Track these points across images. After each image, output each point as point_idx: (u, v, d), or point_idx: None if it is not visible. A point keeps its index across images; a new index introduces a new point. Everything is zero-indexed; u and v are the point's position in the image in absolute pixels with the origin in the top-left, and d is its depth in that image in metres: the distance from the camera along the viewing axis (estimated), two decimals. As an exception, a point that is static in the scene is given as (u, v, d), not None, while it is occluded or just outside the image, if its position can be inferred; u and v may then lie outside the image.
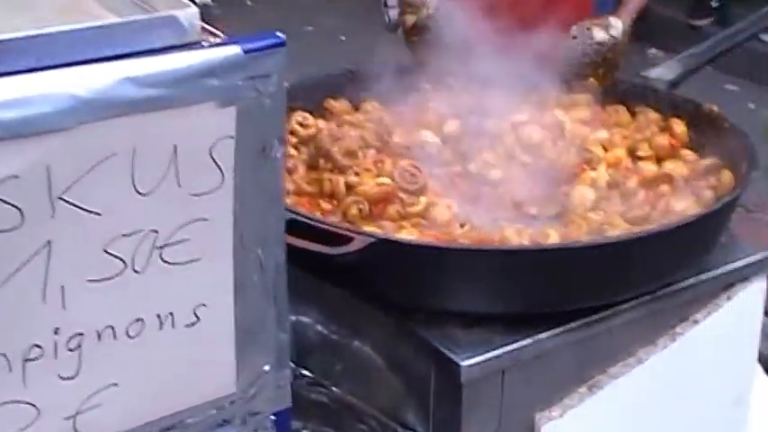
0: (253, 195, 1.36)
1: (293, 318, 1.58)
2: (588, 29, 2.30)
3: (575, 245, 1.76)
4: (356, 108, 2.24)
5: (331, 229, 1.68)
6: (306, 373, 1.98)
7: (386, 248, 1.66)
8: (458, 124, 2.15)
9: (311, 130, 2.13)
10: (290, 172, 2.00)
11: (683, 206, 1.89)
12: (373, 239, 1.65)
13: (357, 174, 1.98)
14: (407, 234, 1.81)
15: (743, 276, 1.97)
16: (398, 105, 2.22)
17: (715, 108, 2.13)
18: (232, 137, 1.31)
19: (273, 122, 1.35)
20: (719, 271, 1.93)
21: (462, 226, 1.82)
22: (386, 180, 1.95)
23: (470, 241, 1.78)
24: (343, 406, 1.97)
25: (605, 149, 2.06)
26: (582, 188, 1.95)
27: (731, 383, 2.06)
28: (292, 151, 2.07)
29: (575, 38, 2.30)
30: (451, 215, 1.88)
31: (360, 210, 1.90)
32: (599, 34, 2.28)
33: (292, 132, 2.10)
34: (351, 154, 2.03)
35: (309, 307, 1.94)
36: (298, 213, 1.72)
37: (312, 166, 2.05)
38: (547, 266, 1.72)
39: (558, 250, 1.74)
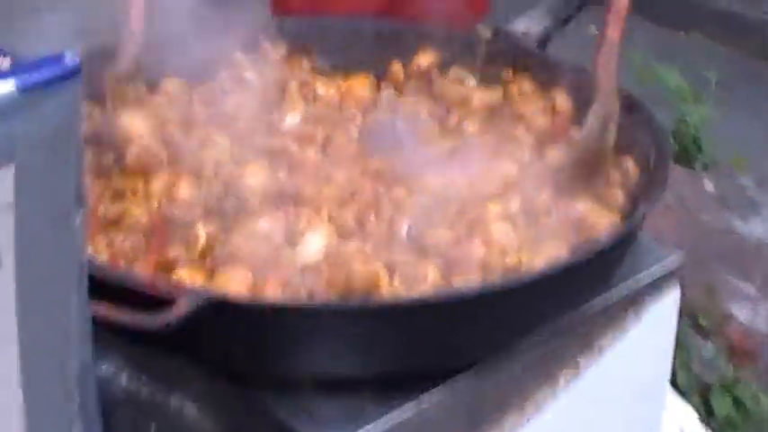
0: (44, 279, 1.03)
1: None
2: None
3: (461, 293, 1.42)
4: (151, 89, 1.87)
5: (143, 290, 1.33)
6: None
7: (222, 309, 1.33)
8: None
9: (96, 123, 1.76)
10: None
11: (584, 208, 1.62)
12: (203, 300, 1.31)
13: (134, 193, 1.63)
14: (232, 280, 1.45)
15: (654, 288, 1.70)
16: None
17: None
18: (10, 205, 0.98)
19: (68, 180, 1.02)
20: (626, 286, 1.65)
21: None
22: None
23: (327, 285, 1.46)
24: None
25: None
26: (498, 225, 1.57)
27: (643, 408, 1.82)
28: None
29: None
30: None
31: (132, 247, 1.54)
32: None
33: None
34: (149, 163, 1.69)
35: (115, 358, 1.60)
36: (96, 267, 1.30)
37: (103, 174, 1.70)
38: (426, 319, 1.38)
39: (442, 304, 1.39)
